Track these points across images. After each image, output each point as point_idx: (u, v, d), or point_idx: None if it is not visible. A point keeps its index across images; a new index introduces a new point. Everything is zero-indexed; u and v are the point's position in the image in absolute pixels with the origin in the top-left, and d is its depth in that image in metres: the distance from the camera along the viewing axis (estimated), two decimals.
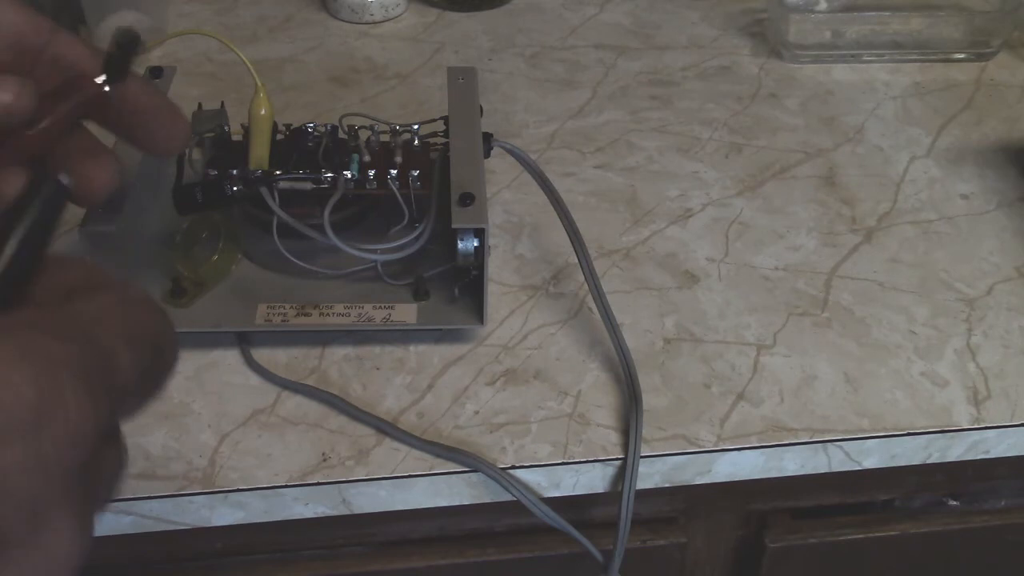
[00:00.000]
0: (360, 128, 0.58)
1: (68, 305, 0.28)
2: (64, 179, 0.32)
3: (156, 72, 0.59)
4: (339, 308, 0.54)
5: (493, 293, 0.58)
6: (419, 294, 0.55)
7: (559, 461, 0.50)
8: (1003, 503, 0.63)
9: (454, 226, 0.50)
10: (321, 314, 0.54)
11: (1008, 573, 0.67)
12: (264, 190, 0.53)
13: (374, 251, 0.53)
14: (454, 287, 0.55)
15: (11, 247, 0.29)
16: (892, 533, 0.61)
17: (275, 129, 0.56)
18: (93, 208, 0.36)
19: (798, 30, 0.78)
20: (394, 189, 0.55)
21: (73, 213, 0.62)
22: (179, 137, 0.40)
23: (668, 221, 0.64)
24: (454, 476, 0.49)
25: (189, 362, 0.54)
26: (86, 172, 0.35)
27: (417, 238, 0.53)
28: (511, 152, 0.58)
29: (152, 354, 0.30)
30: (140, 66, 0.64)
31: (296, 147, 0.56)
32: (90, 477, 0.26)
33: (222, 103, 0.60)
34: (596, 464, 0.50)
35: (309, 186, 0.54)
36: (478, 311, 0.54)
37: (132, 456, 0.49)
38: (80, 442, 0.25)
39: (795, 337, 0.56)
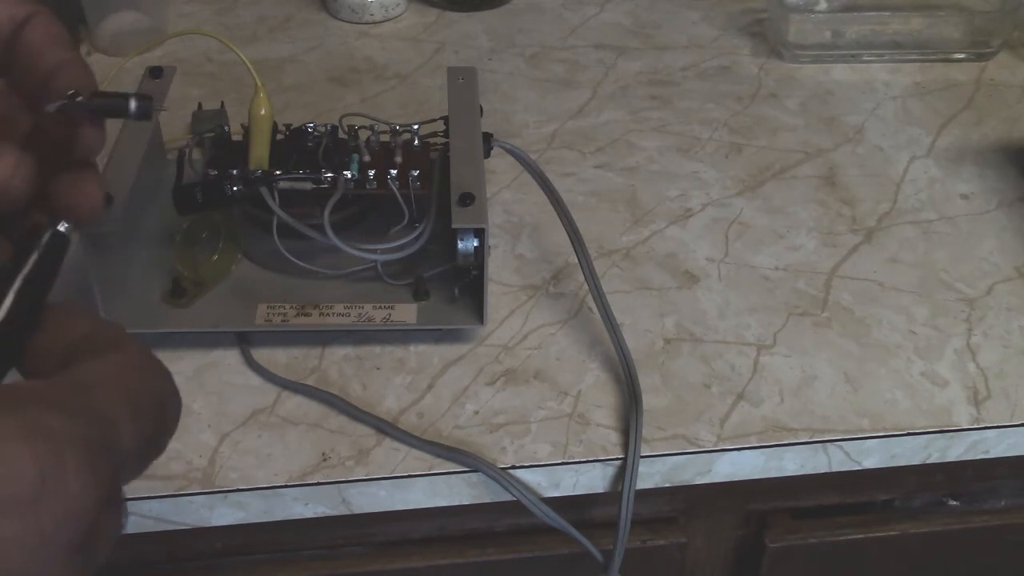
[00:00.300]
0: (360, 128, 0.58)
1: (72, 370, 0.28)
2: (63, 227, 0.31)
3: (156, 72, 0.59)
4: (339, 308, 0.54)
5: (493, 293, 0.58)
6: (419, 294, 0.55)
7: (559, 461, 0.50)
8: (1003, 503, 0.63)
9: (454, 226, 0.50)
10: (321, 314, 0.54)
11: (1008, 573, 0.67)
12: (264, 190, 0.53)
13: (374, 251, 0.53)
14: (454, 287, 0.55)
15: (8, 300, 0.29)
16: (892, 533, 0.61)
17: (275, 129, 0.56)
18: (87, 228, 0.35)
19: (798, 30, 0.78)
20: (394, 189, 0.55)
21: None
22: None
23: (668, 221, 0.64)
24: (454, 476, 0.49)
25: (189, 362, 0.54)
26: (71, 194, 0.34)
27: (417, 238, 0.53)
28: (511, 152, 0.58)
29: (155, 419, 0.30)
30: (141, 67, 0.64)
31: (296, 147, 0.56)
32: (91, 543, 0.26)
33: (222, 103, 0.60)
34: (596, 464, 0.50)
35: (309, 186, 0.54)
36: (478, 311, 0.54)
37: None
38: (80, 516, 0.25)
39: (795, 337, 0.56)
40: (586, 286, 0.56)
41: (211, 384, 0.53)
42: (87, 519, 0.25)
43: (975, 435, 0.52)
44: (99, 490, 0.26)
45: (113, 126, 0.56)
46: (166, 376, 0.31)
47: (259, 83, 0.55)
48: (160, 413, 0.30)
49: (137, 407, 0.28)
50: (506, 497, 0.50)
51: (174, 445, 0.50)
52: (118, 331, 0.31)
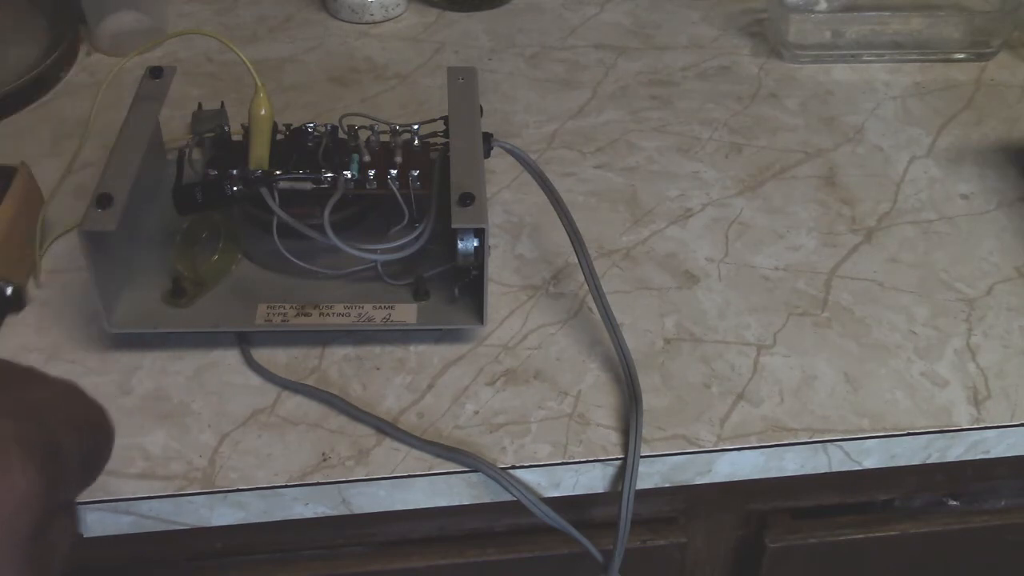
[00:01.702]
0: (360, 128, 0.58)
1: (10, 390, 0.30)
2: None
3: (156, 72, 0.59)
4: (339, 308, 0.54)
5: (493, 293, 0.58)
6: (419, 294, 0.55)
7: (559, 461, 0.50)
8: (1003, 503, 0.63)
9: (454, 226, 0.50)
10: (321, 314, 0.54)
11: (1008, 573, 0.67)
12: (264, 190, 0.53)
13: (374, 251, 0.53)
14: (454, 287, 0.55)
15: None
16: (892, 533, 0.61)
17: (275, 129, 0.56)
18: None
19: (798, 30, 0.78)
20: (394, 189, 0.55)
21: (74, 213, 0.62)
22: None
23: (668, 221, 0.64)
24: (454, 476, 0.49)
25: (189, 362, 0.54)
26: None
27: (417, 238, 0.53)
28: (511, 152, 0.58)
29: (91, 440, 0.32)
30: (141, 67, 0.64)
31: (296, 147, 0.56)
32: (41, 545, 0.27)
33: (222, 103, 0.60)
34: (596, 464, 0.50)
35: (309, 186, 0.54)
36: (478, 311, 0.54)
37: (132, 456, 0.49)
38: (27, 510, 0.26)
39: (795, 337, 0.56)
40: (586, 286, 0.56)
41: (211, 384, 0.53)
42: (33, 515, 0.26)
43: (975, 435, 0.52)
44: (43, 487, 0.27)
45: (113, 125, 0.56)
46: (99, 405, 0.34)
47: (259, 83, 0.55)
48: (95, 435, 0.33)
49: (75, 425, 0.31)
50: (506, 497, 0.50)
51: (174, 445, 0.50)
52: (30, 368, 0.33)
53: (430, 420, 0.51)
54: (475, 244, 0.51)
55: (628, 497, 0.49)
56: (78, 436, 0.30)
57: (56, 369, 0.53)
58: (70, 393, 0.32)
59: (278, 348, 0.55)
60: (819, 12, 0.81)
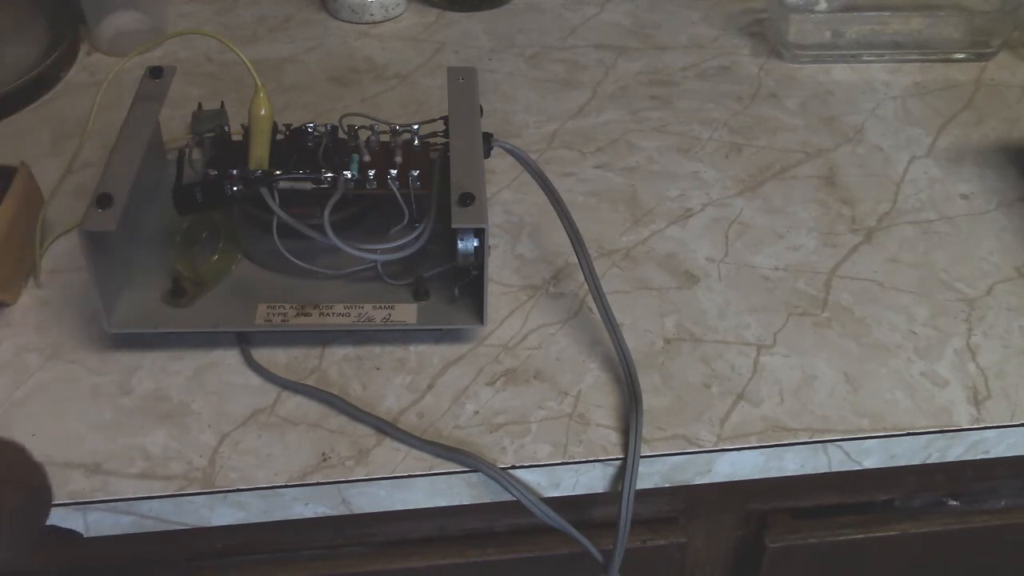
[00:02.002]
0: (360, 128, 0.58)
1: None
2: None
3: (156, 72, 0.59)
4: (339, 308, 0.54)
5: (493, 293, 0.58)
6: (419, 294, 0.55)
7: (559, 461, 0.50)
8: (1003, 503, 0.63)
9: (454, 226, 0.50)
10: (321, 314, 0.54)
11: (1008, 573, 0.67)
12: (264, 190, 0.53)
13: (374, 251, 0.53)
14: (454, 287, 0.55)
15: None
16: (892, 533, 0.61)
17: (275, 129, 0.56)
18: None
19: (798, 30, 0.78)
20: (394, 189, 0.55)
21: (74, 213, 0.62)
22: None
23: (668, 221, 0.64)
24: (454, 476, 0.49)
25: (189, 362, 0.54)
26: None
27: (417, 238, 0.53)
28: (511, 152, 0.58)
29: (28, 499, 0.32)
30: (141, 67, 0.64)
31: (296, 147, 0.56)
32: None
33: (222, 103, 0.60)
34: (596, 464, 0.50)
35: (309, 186, 0.54)
36: (478, 311, 0.54)
37: (132, 456, 0.49)
38: None
39: (795, 337, 0.56)
40: (586, 286, 0.56)
41: (211, 384, 0.53)
42: None
43: (975, 435, 0.52)
44: None
45: (113, 125, 0.56)
46: (37, 462, 0.34)
47: (259, 83, 0.55)
48: (33, 490, 0.33)
49: (13, 482, 0.31)
50: (506, 497, 0.50)
51: (174, 445, 0.50)
52: None
53: (430, 420, 0.51)
54: (475, 244, 0.51)
55: (628, 497, 0.49)
56: (15, 494, 0.30)
57: (56, 369, 0.53)
58: (10, 451, 0.32)
59: (278, 348, 0.55)
60: (819, 12, 0.81)
